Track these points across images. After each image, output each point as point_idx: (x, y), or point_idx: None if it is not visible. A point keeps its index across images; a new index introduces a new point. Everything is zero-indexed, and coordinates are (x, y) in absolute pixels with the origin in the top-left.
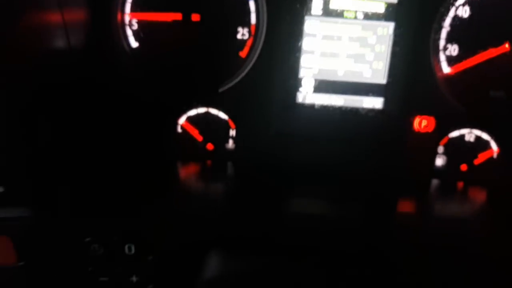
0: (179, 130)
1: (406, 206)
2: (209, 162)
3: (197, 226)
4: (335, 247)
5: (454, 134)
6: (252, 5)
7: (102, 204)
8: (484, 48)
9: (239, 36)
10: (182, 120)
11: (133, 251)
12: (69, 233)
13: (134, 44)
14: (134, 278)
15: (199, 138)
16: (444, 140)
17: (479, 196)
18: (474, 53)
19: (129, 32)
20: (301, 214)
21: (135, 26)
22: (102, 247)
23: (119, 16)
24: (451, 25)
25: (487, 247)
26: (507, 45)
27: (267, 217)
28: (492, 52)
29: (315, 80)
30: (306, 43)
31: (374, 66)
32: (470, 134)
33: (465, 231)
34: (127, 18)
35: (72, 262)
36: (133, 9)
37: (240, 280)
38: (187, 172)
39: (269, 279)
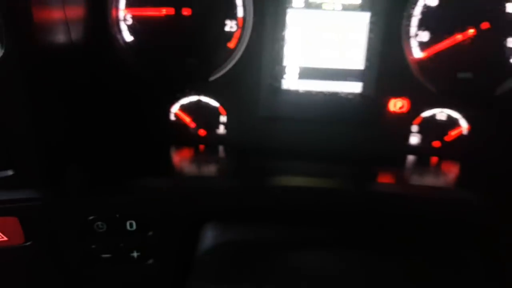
0: (173, 118)
1: (385, 178)
2: (201, 146)
3: (192, 201)
4: (323, 215)
5: (427, 113)
6: (238, 0)
7: (105, 184)
8: (452, 33)
9: (227, 29)
10: (175, 108)
11: (134, 227)
12: (74, 212)
13: (128, 38)
14: (135, 254)
15: (192, 125)
16: (418, 120)
17: (451, 168)
18: (443, 38)
19: (123, 27)
20: (288, 187)
21: (130, 21)
22: (105, 224)
23: (114, 12)
24: (421, 13)
25: (461, 208)
26: (471, 31)
27: (257, 190)
28: (459, 37)
29: (299, 67)
30: (289, 34)
31: (353, 53)
32: (441, 113)
33: (440, 196)
34: (121, 14)
35: (76, 240)
36: (128, 5)
37: (235, 249)
38: (181, 155)
39: (262, 247)
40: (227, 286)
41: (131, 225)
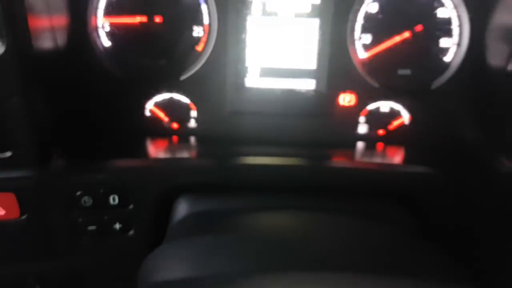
0: (148, 113)
1: (339, 158)
2: (175, 137)
3: (167, 177)
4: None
5: (372, 106)
6: (204, 8)
7: (89, 162)
8: (391, 36)
9: (195, 34)
10: (150, 104)
11: (116, 201)
12: (63, 188)
13: (106, 43)
14: (117, 226)
15: (166, 119)
16: (364, 112)
17: (394, 151)
18: (383, 40)
19: (102, 33)
20: (254, 165)
21: (107, 28)
22: (91, 199)
23: (93, 20)
24: (364, 18)
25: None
26: (407, 34)
27: (226, 167)
28: (397, 39)
29: (260, 67)
30: (249, 38)
31: (306, 54)
32: (384, 105)
33: (386, 171)
34: (100, 22)
35: (65, 214)
36: (105, 14)
37: (204, 216)
38: (157, 143)
39: (230, 213)
40: (195, 237)
41: (113, 199)
